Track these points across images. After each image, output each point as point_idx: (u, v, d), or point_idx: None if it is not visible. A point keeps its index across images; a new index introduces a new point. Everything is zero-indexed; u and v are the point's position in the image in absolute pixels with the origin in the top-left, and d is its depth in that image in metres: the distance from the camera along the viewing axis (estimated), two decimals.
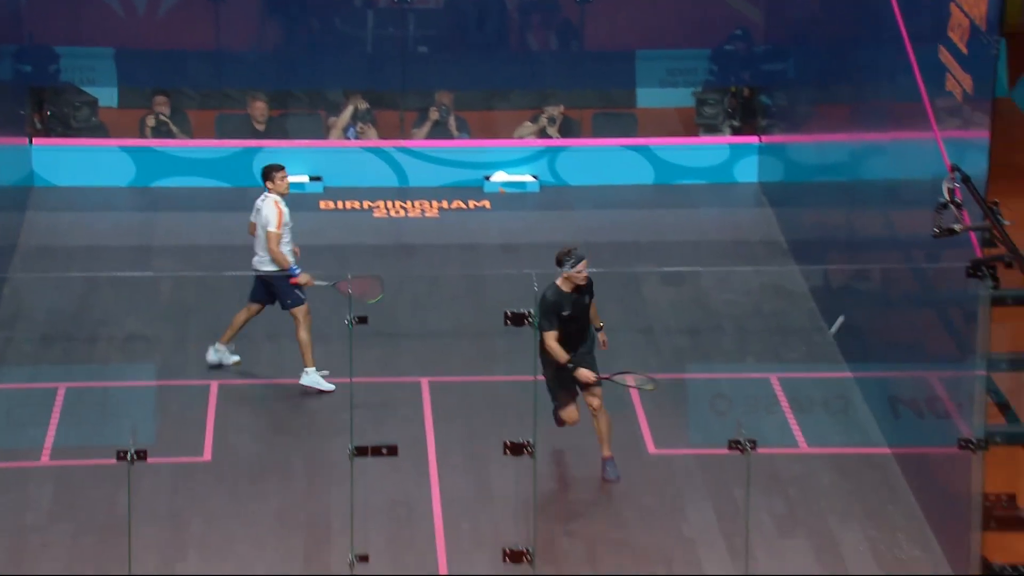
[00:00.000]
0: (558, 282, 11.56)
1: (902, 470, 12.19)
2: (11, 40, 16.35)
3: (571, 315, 11.53)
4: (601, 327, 11.82)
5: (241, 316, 13.31)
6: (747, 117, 17.30)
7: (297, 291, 13.00)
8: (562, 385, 11.68)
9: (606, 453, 11.92)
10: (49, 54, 16.93)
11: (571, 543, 11.34)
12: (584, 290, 11.61)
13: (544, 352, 11.52)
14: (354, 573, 10.48)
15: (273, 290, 13.14)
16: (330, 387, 12.99)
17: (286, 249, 13.03)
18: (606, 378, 11.69)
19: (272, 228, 12.94)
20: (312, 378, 13.05)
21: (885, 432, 12.61)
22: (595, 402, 11.75)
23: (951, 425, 11.16)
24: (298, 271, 12.94)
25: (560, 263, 11.53)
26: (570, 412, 11.74)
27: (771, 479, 11.88)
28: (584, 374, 11.58)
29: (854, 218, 13.96)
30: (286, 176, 13.19)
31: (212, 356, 13.34)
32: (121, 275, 14.71)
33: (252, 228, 13.24)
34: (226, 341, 13.35)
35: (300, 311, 13.02)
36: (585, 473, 12.07)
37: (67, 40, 16.86)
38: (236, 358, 13.41)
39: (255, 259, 13.15)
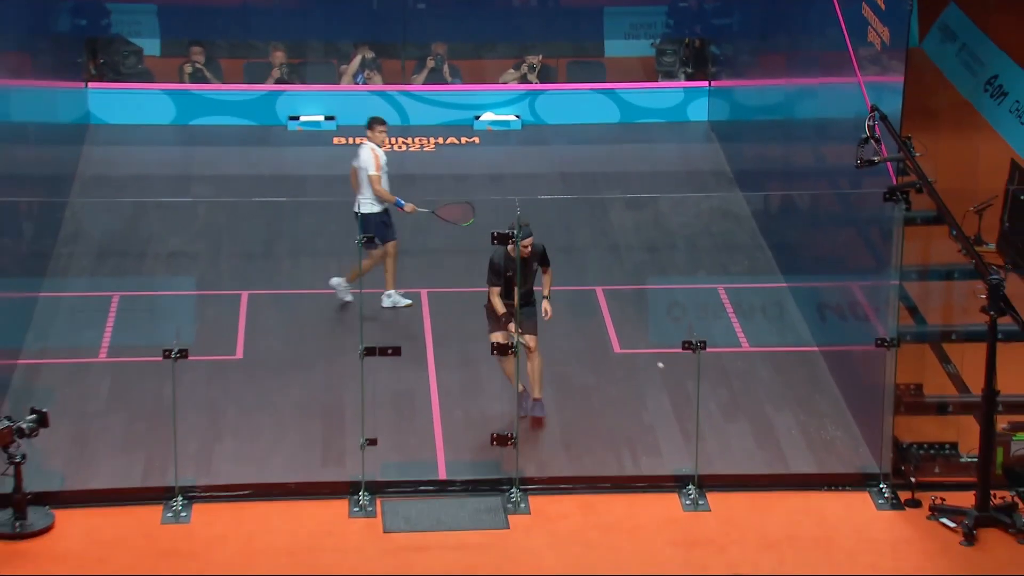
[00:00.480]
0: (508, 248, 11.07)
1: (828, 365, 12.20)
2: None
3: (513, 277, 11.12)
4: (547, 296, 11.33)
5: (370, 262, 12.66)
6: (699, 65, 17.16)
7: (387, 230, 12.58)
8: (494, 319, 11.36)
9: (536, 395, 11.37)
10: (101, 9, 16.69)
11: (548, 428, 11.35)
12: (530, 260, 11.18)
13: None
14: (364, 455, 10.51)
15: (366, 228, 12.48)
16: (408, 301, 12.72)
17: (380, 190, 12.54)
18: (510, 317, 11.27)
19: (372, 171, 12.55)
20: (394, 299, 12.75)
21: (814, 333, 12.62)
22: (531, 343, 11.25)
23: (869, 326, 11.18)
24: (403, 203, 12.57)
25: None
26: (495, 336, 11.26)
27: (718, 373, 11.89)
28: (511, 328, 11.10)
29: (789, 151, 13.89)
30: (385, 129, 12.79)
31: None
32: (164, 200, 14.64)
33: (353, 175, 12.79)
34: (351, 280, 12.66)
35: (391, 245, 12.66)
36: (560, 371, 12.03)
37: None
38: (348, 294, 12.68)
39: (357, 202, 12.56)
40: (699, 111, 16.89)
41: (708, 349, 10.67)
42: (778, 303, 13.08)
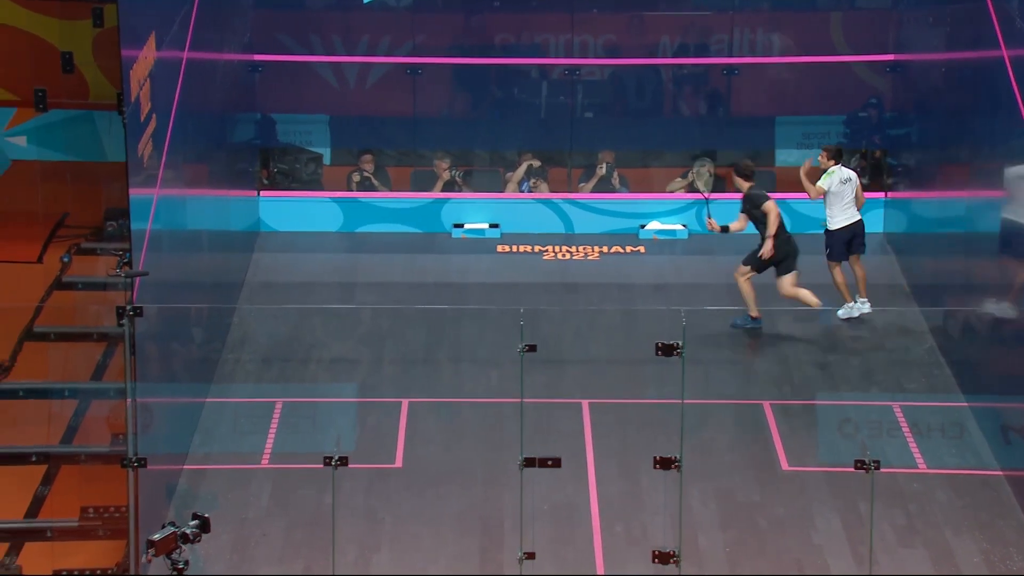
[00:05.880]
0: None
1: (1013, 490, 11.82)
2: (247, 109, 16.77)
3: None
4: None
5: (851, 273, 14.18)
6: (875, 175, 17.00)
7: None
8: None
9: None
10: (275, 121, 17.24)
11: (712, 547, 11.23)
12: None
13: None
14: (522, 569, 10.52)
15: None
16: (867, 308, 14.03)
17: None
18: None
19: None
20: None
21: (997, 456, 12.24)
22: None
23: None
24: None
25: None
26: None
27: (893, 495, 11.61)
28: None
29: (969, 265, 13.63)
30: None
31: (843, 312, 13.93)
32: (329, 307, 14.94)
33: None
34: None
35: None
36: (726, 486, 11.93)
37: (290, 109, 17.13)
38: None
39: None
40: (874, 223, 16.62)
41: (882, 469, 10.48)
42: (958, 423, 12.78)
